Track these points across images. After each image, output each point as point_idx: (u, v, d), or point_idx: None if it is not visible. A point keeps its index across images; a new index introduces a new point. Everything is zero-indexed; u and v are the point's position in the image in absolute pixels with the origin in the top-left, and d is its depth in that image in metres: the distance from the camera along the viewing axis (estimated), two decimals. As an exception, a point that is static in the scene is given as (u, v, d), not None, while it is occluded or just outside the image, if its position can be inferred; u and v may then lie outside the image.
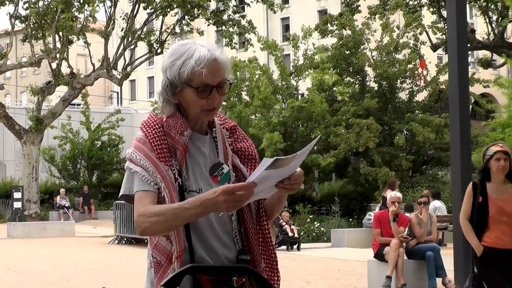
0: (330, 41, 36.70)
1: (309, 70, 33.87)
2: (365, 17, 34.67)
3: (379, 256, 13.55)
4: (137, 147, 3.22)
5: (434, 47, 36.18)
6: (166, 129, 3.24)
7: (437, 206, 23.55)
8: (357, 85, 34.48)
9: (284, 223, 23.20)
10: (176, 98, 3.24)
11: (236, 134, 3.44)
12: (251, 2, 38.57)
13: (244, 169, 3.36)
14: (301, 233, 26.37)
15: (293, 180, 3.09)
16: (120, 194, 3.28)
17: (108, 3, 38.52)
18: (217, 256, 3.21)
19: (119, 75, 39.35)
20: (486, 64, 38.26)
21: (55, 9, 36.59)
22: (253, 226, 3.33)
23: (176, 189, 3.18)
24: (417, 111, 33.72)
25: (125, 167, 3.27)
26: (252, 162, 3.41)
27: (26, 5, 38.20)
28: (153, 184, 3.16)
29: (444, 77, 32.78)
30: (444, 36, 34.85)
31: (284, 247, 22.97)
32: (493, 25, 35.86)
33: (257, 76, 34.13)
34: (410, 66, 33.67)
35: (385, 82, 33.82)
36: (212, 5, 40.74)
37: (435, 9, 36.39)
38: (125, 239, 26.52)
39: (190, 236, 3.18)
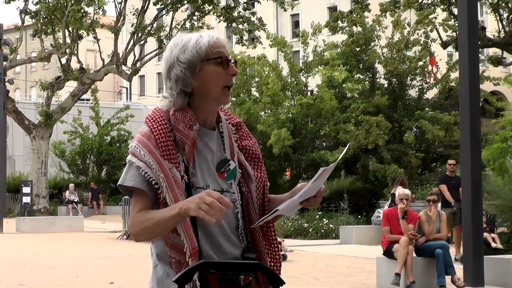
0: (340, 37, 36.63)
1: (319, 66, 33.82)
2: (376, 14, 34.59)
3: (388, 253, 13.53)
4: (141, 141, 3.17)
5: (444, 45, 36.07)
6: (173, 123, 3.18)
7: (447, 204, 23.46)
8: (367, 82, 34.42)
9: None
10: (196, 79, 3.21)
11: (241, 131, 3.41)
12: (262, -1, 38.58)
13: (249, 167, 3.34)
14: (310, 230, 26.34)
15: (318, 197, 3.25)
16: (118, 183, 3.28)
17: (119, -1, 38.62)
18: (224, 254, 3.18)
19: (129, 70, 39.42)
20: (497, 61, 38.10)
21: (65, 4, 36.66)
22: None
23: (182, 186, 3.14)
24: (427, 109, 33.65)
25: (126, 160, 3.24)
26: (255, 161, 3.37)
27: (36, 0, 38.26)
28: (154, 183, 3.11)
29: (454, 75, 32.65)
30: (454, 34, 34.75)
31: None
32: (504, 23, 35.73)
33: (266, 73, 34.09)
34: (421, 63, 33.60)
35: (395, 79, 33.75)
36: (223, 2, 40.78)
37: (445, 7, 36.28)
38: (133, 234, 26.52)
39: (198, 234, 3.14)
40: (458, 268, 13.18)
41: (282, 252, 18.81)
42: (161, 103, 3.28)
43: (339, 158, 3.51)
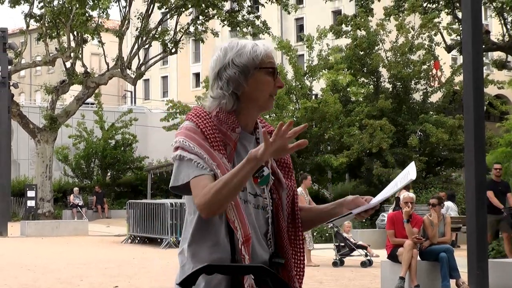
0: (344, 41, 36.64)
1: (323, 70, 33.82)
2: (380, 18, 34.58)
3: (393, 257, 13.54)
4: (188, 136, 3.20)
5: (449, 48, 36.05)
6: (216, 124, 3.24)
7: (449, 206, 23.49)
8: (371, 86, 34.42)
9: None
10: (248, 84, 3.26)
11: None
12: (266, 2, 38.58)
13: (281, 175, 3.39)
14: (314, 234, 26.34)
15: (370, 211, 3.35)
16: (172, 185, 3.22)
17: (123, 3, 38.65)
18: (256, 257, 3.22)
19: (133, 74, 39.44)
20: (501, 65, 38.06)
21: (69, 8, 36.72)
22: (287, 231, 3.35)
23: None
24: (431, 112, 33.64)
25: (174, 157, 3.22)
26: (286, 170, 3.43)
27: (41, 4, 38.33)
28: (209, 170, 3.13)
29: (458, 78, 32.67)
30: (458, 37, 34.73)
31: None
32: (508, 27, 35.70)
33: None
34: (425, 67, 33.60)
35: (399, 83, 33.75)
36: (227, 6, 40.80)
37: (450, 10, 36.26)
38: (138, 238, 26.57)
39: (233, 235, 3.17)
40: (463, 272, 13.17)
41: (368, 257, 18.72)
42: (206, 102, 3.33)
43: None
